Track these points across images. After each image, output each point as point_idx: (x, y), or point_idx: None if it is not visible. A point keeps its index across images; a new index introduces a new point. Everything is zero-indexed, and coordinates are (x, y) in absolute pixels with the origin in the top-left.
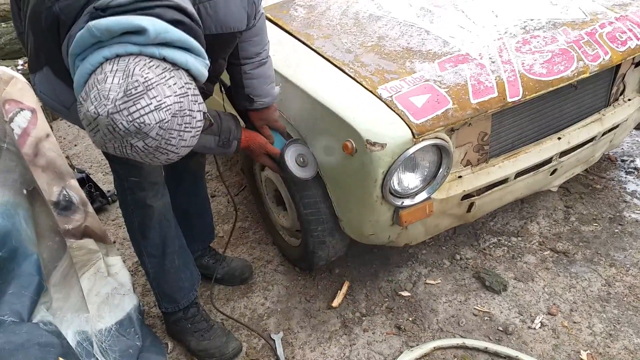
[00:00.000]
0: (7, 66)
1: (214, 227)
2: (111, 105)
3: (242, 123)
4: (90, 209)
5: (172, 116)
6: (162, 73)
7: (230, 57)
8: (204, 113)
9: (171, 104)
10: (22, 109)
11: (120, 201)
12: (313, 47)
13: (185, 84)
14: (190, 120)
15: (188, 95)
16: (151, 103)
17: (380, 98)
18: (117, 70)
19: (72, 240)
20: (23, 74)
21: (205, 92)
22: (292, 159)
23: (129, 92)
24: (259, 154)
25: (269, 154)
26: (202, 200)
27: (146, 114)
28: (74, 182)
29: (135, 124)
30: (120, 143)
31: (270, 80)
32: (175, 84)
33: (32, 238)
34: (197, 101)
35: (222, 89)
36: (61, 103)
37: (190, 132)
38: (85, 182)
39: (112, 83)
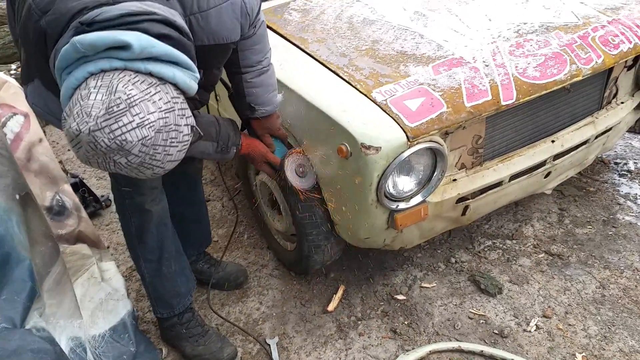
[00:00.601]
0: (0, 71)
1: (210, 232)
2: (93, 123)
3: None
4: (84, 213)
5: (155, 132)
6: (147, 89)
7: (231, 65)
8: (192, 127)
9: (155, 121)
10: (15, 114)
11: (117, 205)
12: (307, 51)
13: (172, 98)
14: (176, 135)
15: (174, 110)
16: (133, 120)
17: (374, 102)
18: (100, 86)
19: (65, 245)
20: (16, 79)
21: (201, 101)
22: (291, 169)
23: (111, 109)
24: (260, 162)
25: (269, 162)
26: (198, 206)
27: (128, 131)
28: (67, 187)
29: (117, 142)
30: (103, 159)
31: (272, 89)
32: (160, 99)
33: (25, 243)
34: (184, 115)
35: (217, 97)
36: (53, 114)
37: (177, 146)
38: (79, 186)
39: (94, 100)
